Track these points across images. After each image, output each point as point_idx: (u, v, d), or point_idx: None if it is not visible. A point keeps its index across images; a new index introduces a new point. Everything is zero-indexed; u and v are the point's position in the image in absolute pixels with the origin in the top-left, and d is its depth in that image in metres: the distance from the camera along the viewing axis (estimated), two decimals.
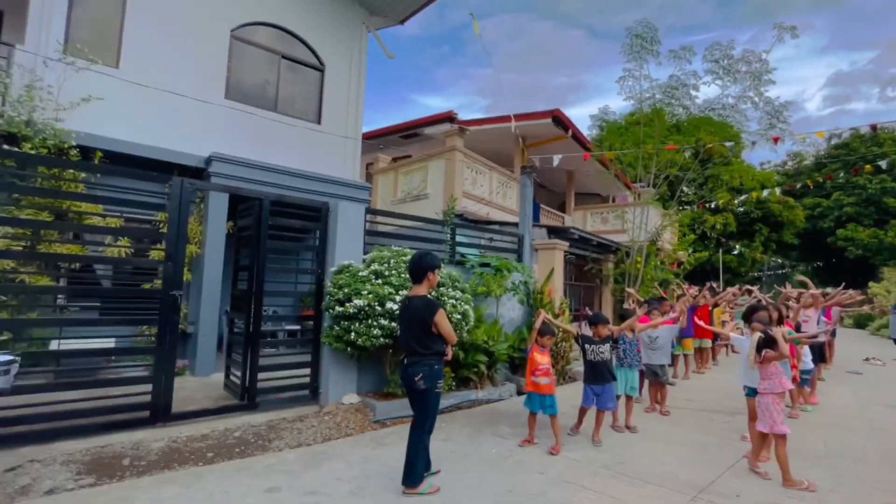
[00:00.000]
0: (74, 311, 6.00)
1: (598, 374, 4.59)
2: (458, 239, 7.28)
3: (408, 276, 5.18)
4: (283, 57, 8.87)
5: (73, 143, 5.84)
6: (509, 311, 7.50)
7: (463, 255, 7.25)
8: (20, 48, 6.22)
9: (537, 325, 4.54)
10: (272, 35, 8.80)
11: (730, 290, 9.02)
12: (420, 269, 3.25)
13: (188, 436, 4.20)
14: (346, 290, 4.95)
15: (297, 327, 9.06)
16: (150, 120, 7.16)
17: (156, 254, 6.36)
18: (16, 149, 5.20)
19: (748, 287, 9.70)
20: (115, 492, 3.10)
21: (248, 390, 4.98)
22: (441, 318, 3.15)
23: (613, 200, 19.62)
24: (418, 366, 3.11)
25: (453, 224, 6.73)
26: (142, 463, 3.64)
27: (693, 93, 10.32)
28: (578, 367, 8.14)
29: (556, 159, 8.14)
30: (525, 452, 4.16)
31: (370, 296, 4.81)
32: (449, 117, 12.85)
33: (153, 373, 4.38)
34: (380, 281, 5.04)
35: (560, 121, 11.76)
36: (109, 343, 5.65)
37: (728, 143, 9.76)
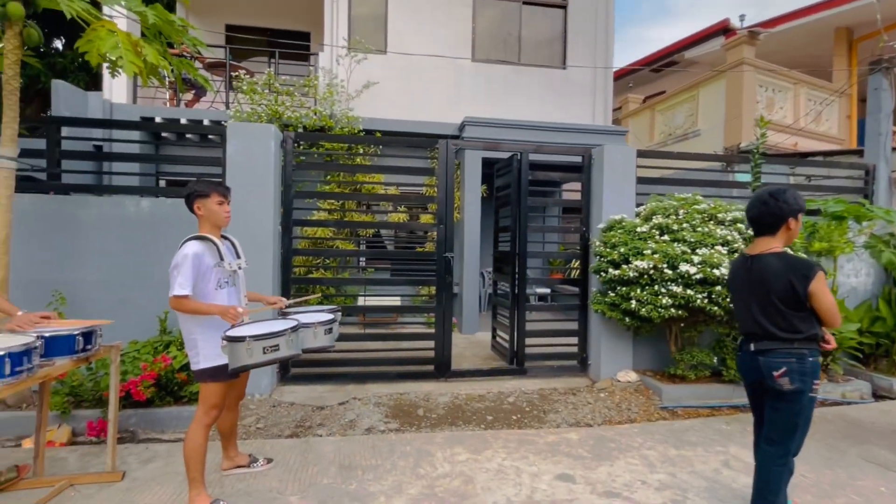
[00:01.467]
0: (371, 272, 7.09)
1: None
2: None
3: (706, 230, 4.00)
4: (524, 3, 8.30)
5: (361, 128, 6.75)
6: (849, 276, 5.28)
7: None
8: (321, 49, 7.54)
9: None
10: None
11: None
12: (774, 214, 2.13)
13: (467, 394, 4.26)
14: (621, 250, 4.13)
15: (548, 290, 8.76)
16: (411, 97, 7.81)
17: (425, 218, 6.90)
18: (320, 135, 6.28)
19: None
20: (416, 443, 3.24)
21: (516, 354, 4.82)
22: (821, 287, 2.00)
23: None
24: (778, 356, 2.08)
25: (760, 160, 4.95)
26: (432, 415, 3.81)
27: None
28: None
29: None
30: None
31: (656, 256, 3.86)
32: (723, 28, 10.03)
33: (435, 330, 4.61)
34: (666, 237, 4.02)
35: None
36: (396, 301, 6.45)
37: None
